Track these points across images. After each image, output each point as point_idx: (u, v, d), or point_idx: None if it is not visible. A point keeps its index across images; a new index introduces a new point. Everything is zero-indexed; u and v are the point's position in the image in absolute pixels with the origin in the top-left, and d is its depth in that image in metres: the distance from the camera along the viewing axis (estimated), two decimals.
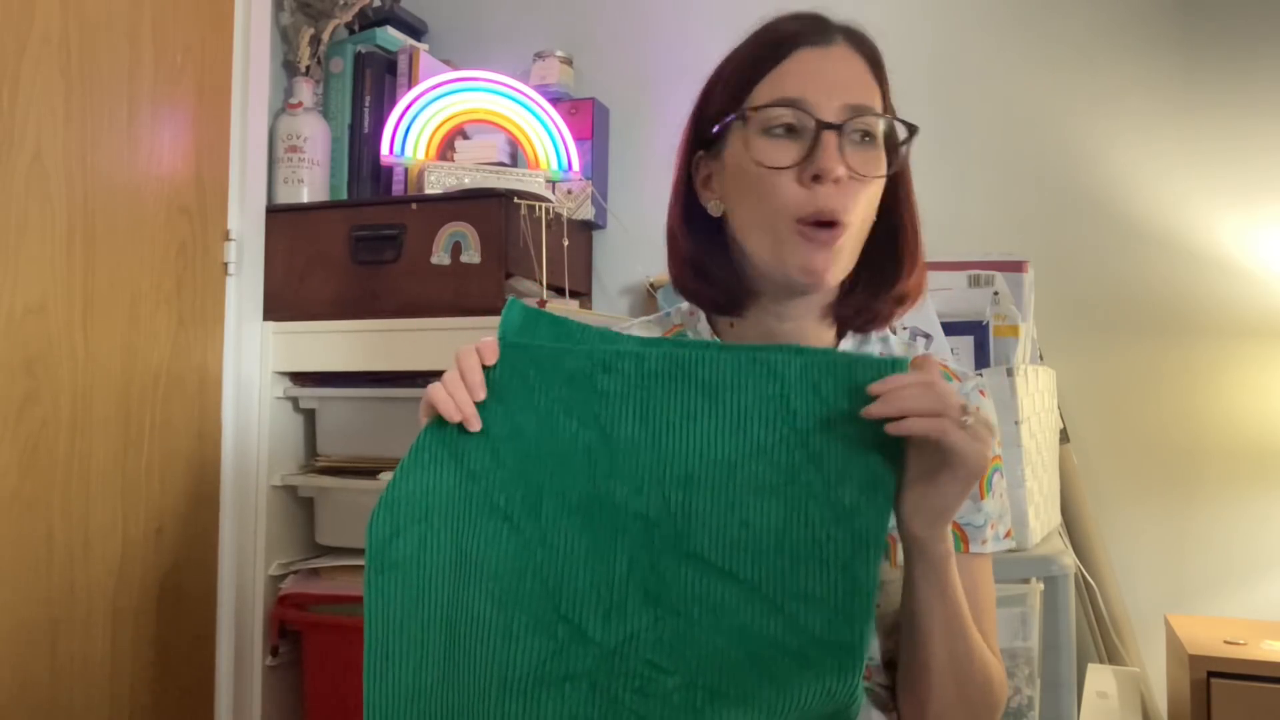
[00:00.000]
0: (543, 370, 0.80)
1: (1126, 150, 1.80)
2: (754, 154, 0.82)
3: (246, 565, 1.76)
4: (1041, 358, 1.68)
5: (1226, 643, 1.45)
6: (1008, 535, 0.90)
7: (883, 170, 0.83)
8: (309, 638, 1.75)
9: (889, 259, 0.88)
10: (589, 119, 2.02)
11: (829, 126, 0.80)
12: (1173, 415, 1.76)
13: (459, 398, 0.78)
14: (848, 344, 0.90)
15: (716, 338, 0.91)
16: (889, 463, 0.73)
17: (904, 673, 0.82)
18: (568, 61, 2.07)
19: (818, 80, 0.82)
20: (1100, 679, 1.53)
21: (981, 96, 1.89)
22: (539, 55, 2.06)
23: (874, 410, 0.70)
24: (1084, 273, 1.81)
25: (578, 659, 0.74)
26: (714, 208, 0.88)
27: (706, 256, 0.89)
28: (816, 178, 0.79)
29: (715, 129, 0.86)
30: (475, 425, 0.78)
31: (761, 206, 0.83)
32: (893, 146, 0.85)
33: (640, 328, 0.96)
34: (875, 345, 0.92)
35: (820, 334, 0.90)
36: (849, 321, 0.90)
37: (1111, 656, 1.70)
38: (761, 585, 0.73)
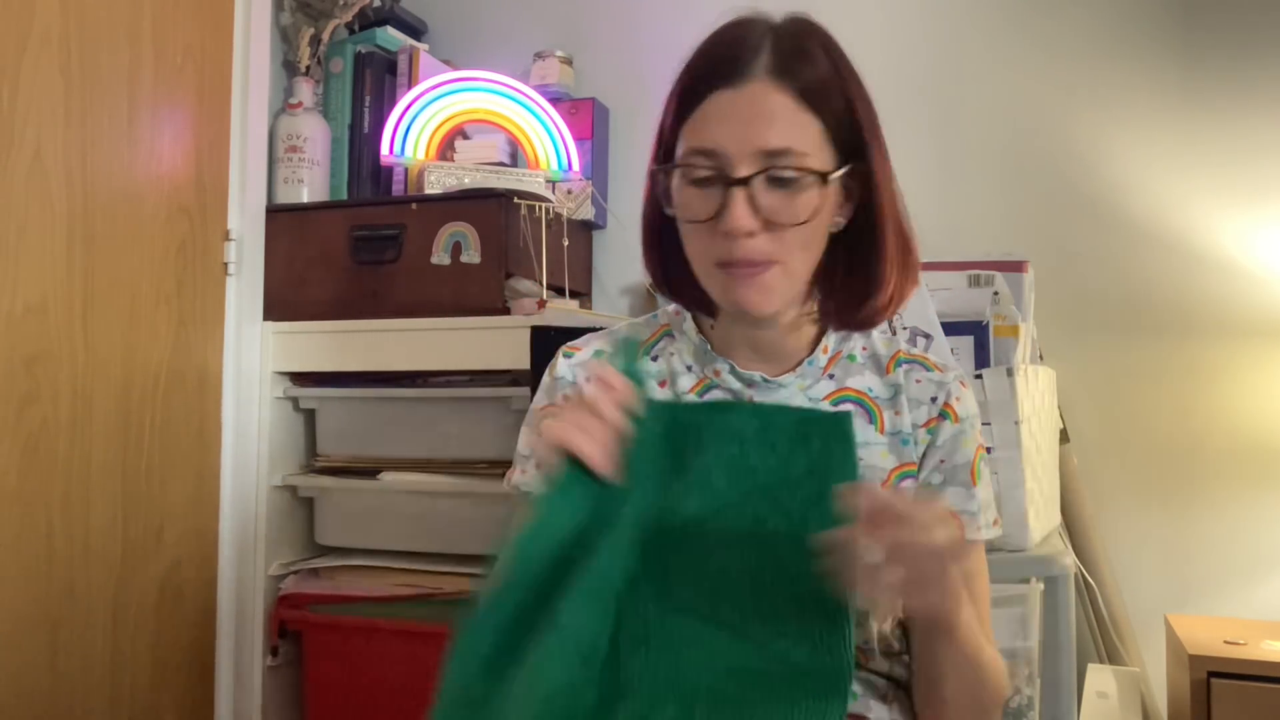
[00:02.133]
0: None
1: (1126, 150, 1.80)
2: (679, 205, 0.84)
3: (246, 565, 1.76)
4: (1041, 358, 1.67)
5: (1226, 643, 1.45)
6: (995, 523, 0.92)
7: (804, 215, 0.80)
8: (309, 638, 1.75)
9: (866, 267, 0.87)
10: (589, 119, 2.02)
11: (737, 182, 0.78)
12: (1173, 415, 1.76)
13: (600, 438, 0.75)
14: (830, 340, 0.91)
15: (702, 336, 0.92)
16: (843, 462, 0.79)
17: (920, 697, 0.85)
18: (568, 61, 2.07)
19: (729, 126, 0.79)
20: (1100, 679, 1.53)
21: (981, 96, 1.89)
22: (539, 55, 2.06)
23: (828, 569, 0.70)
24: (1084, 273, 1.81)
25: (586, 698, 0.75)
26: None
27: (676, 264, 0.89)
28: (728, 234, 0.79)
29: (653, 173, 0.88)
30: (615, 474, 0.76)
31: (691, 251, 0.85)
32: (850, 157, 0.83)
33: (628, 329, 0.97)
34: (858, 342, 0.93)
35: (799, 334, 0.90)
36: (830, 319, 0.90)
37: (1111, 656, 1.70)
38: (744, 627, 0.76)
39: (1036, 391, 1.46)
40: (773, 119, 0.79)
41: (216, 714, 1.73)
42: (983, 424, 1.32)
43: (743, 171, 0.78)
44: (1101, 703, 1.44)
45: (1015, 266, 1.46)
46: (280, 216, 1.84)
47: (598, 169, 2.03)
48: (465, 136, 1.96)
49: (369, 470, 1.75)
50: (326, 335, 1.76)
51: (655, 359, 0.94)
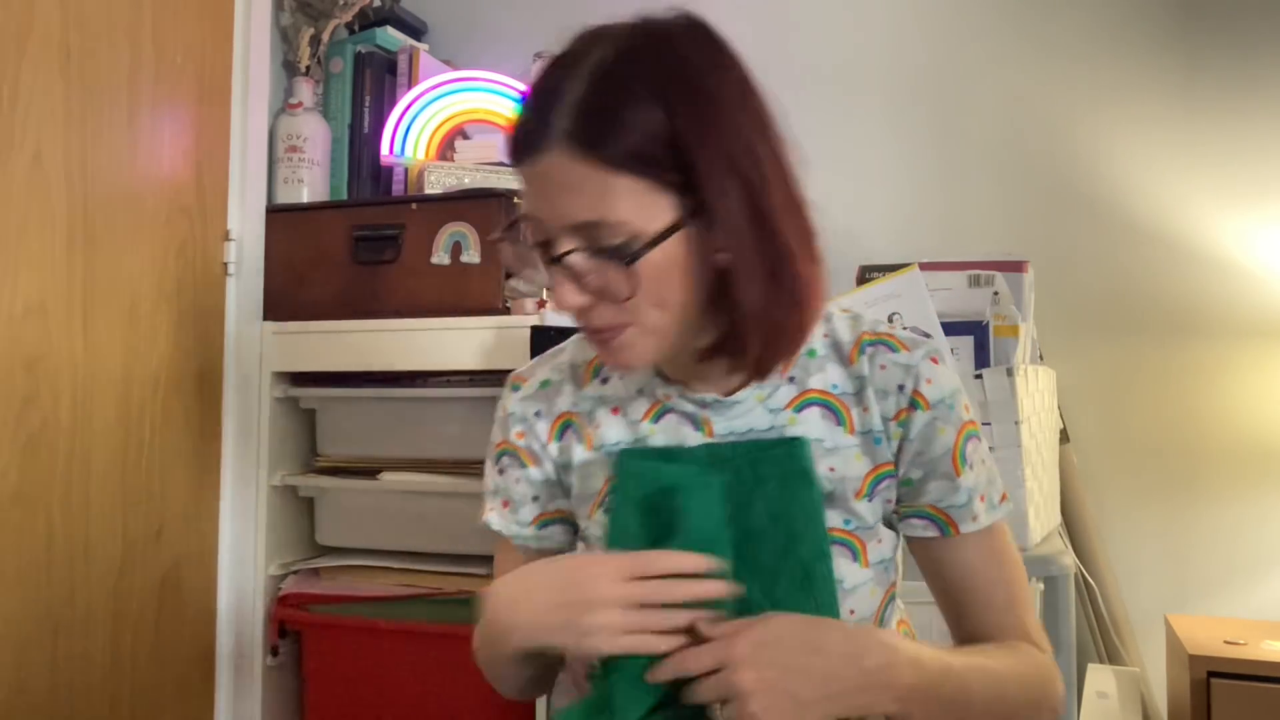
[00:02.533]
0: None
1: (1126, 150, 1.80)
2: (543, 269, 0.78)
3: (246, 565, 1.76)
4: (1041, 358, 1.67)
5: (1226, 643, 1.45)
6: (1003, 500, 0.85)
7: (627, 291, 0.72)
8: (309, 638, 1.75)
9: (761, 288, 0.75)
10: None
11: (555, 260, 0.73)
12: (1173, 415, 1.76)
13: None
14: (749, 391, 0.84)
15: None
16: (806, 502, 0.78)
17: None
18: None
19: (537, 202, 0.74)
20: (1100, 679, 1.53)
21: (982, 96, 1.89)
22: (539, 55, 2.06)
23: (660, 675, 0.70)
24: (1084, 273, 1.81)
25: None
26: None
27: None
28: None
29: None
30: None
31: None
32: (693, 203, 0.73)
33: (577, 347, 0.93)
34: (817, 331, 0.85)
35: (727, 365, 0.81)
36: (736, 363, 0.80)
37: (1111, 656, 1.70)
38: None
39: (1036, 391, 1.46)
40: (578, 191, 0.71)
41: (216, 714, 1.73)
42: (983, 424, 1.32)
43: (559, 248, 0.73)
44: (1101, 703, 1.44)
45: (1015, 266, 1.46)
46: (280, 216, 1.84)
47: None
48: (465, 136, 1.96)
49: (369, 470, 1.75)
50: (326, 335, 1.76)
51: (605, 380, 0.90)
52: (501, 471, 0.93)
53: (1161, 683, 1.69)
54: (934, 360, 0.83)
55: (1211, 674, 1.39)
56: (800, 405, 0.84)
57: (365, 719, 1.68)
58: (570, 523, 0.92)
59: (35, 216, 1.41)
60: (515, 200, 1.71)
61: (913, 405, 0.82)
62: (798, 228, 0.77)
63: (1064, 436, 1.73)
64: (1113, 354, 1.79)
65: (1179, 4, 1.78)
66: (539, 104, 0.74)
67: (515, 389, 0.94)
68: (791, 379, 0.84)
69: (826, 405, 0.84)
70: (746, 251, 0.74)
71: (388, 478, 1.72)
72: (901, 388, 0.82)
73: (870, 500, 0.83)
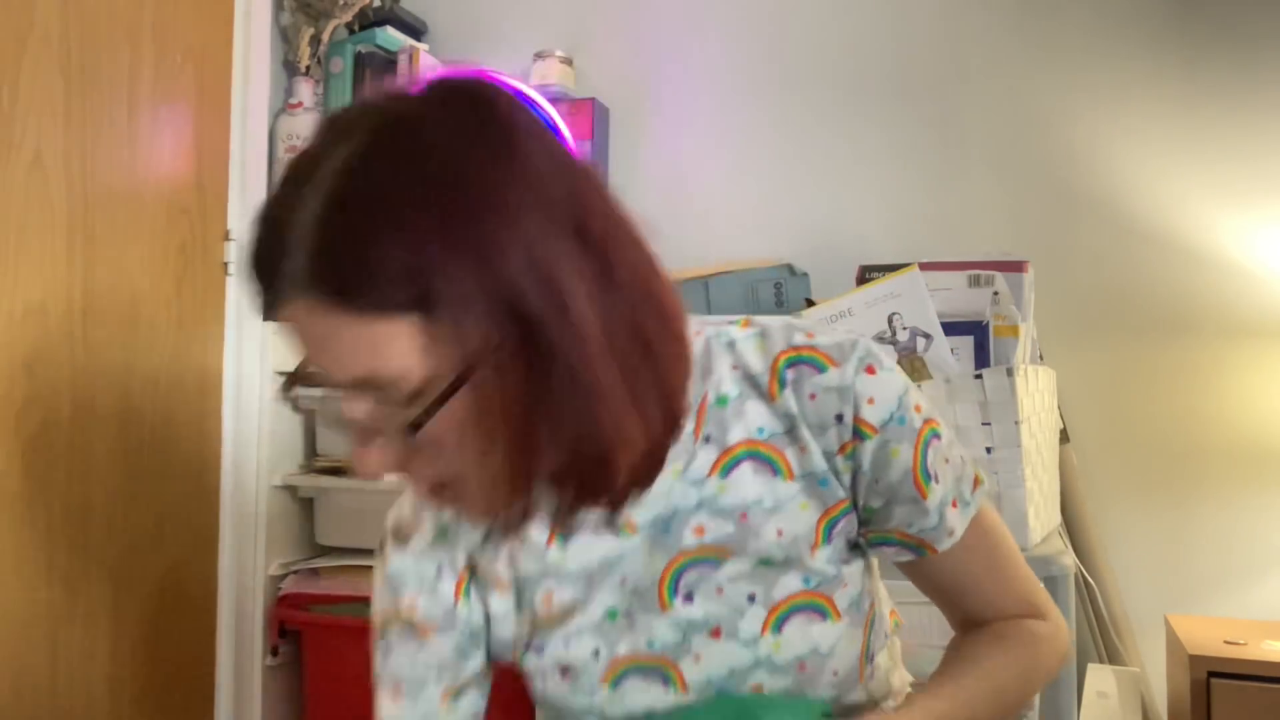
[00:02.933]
0: None
1: (1126, 150, 1.80)
2: None
3: (246, 565, 1.76)
4: (1041, 358, 1.67)
5: (1226, 643, 1.45)
6: (976, 486, 0.77)
7: (451, 441, 0.61)
8: (309, 638, 1.75)
9: (583, 423, 0.62)
10: (589, 119, 2.02)
11: (348, 424, 0.62)
12: (1173, 415, 1.76)
13: None
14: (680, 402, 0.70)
15: None
16: None
17: None
18: (568, 61, 2.07)
19: (316, 355, 0.60)
20: (1100, 679, 1.53)
21: (981, 96, 1.89)
22: (539, 55, 2.06)
23: None
24: (1084, 273, 1.81)
25: None
26: None
27: None
28: None
29: None
30: None
31: None
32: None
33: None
34: (721, 367, 0.73)
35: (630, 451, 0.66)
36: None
37: (1111, 656, 1.70)
38: None
39: (1036, 391, 1.46)
40: (339, 342, 0.58)
41: (216, 714, 1.73)
42: (982, 424, 1.32)
43: (348, 411, 0.61)
44: (1101, 703, 1.44)
45: (1015, 266, 1.46)
46: None
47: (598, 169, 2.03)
48: None
49: None
50: None
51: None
52: (387, 655, 0.77)
53: (1161, 683, 1.69)
54: (870, 370, 0.70)
55: (1211, 674, 1.39)
56: (726, 466, 0.72)
57: (365, 719, 1.68)
58: (488, 682, 0.80)
59: (35, 216, 1.41)
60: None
61: (857, 435, 0.70)
62: (631, 332, 0.62)
63: (1064, 436, 1.73)
64: (1113, 354, 1.79)
65: (1178, 4, 1.78)
66: (271, 237, 0.58)
67: (400, 545, 0.77)
68: (708, 438, 0.71)
69: (756, 456, 0.72)
70: (548, 396, 0.59)
71: (388, 477, 1.72)
72: (840, 417, 0.70)
73: (829, 544, 0.73)
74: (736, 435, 0.72)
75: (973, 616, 0.81)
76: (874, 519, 0.74)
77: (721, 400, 0.72)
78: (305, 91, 1.92)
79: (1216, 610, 1.71)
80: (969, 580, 0.79)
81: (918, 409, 0.72)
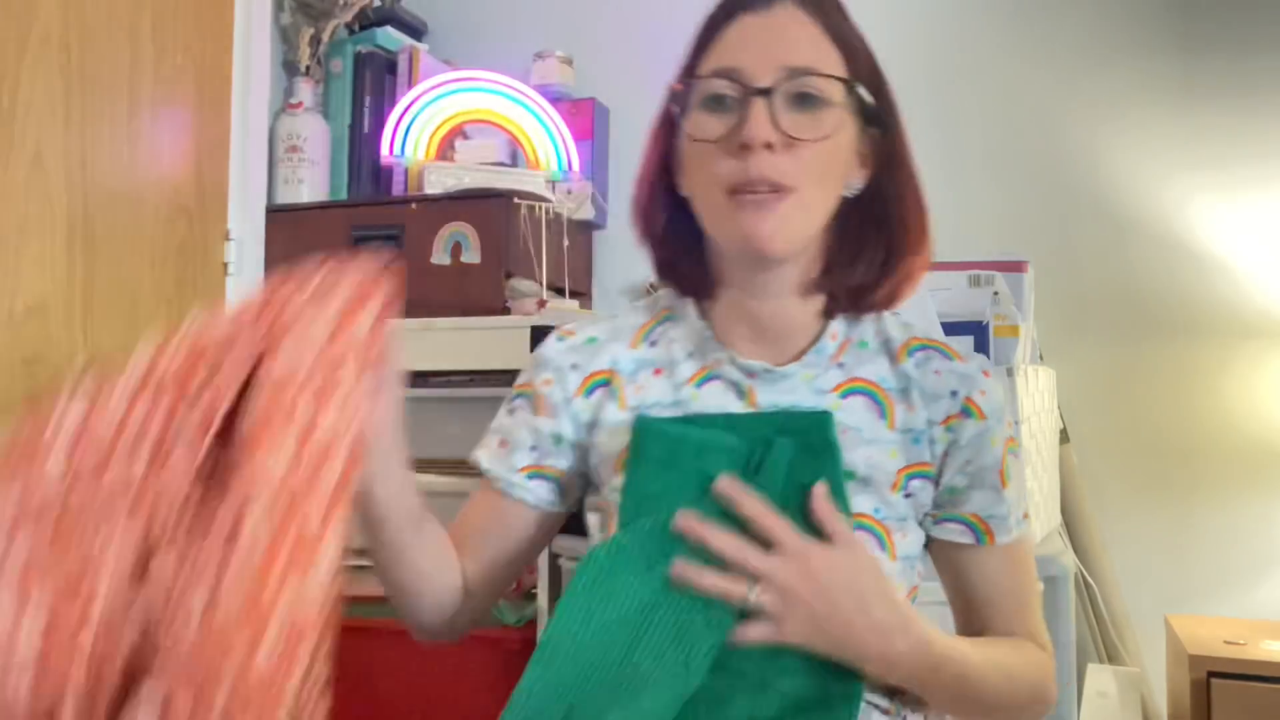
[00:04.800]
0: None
1: (1126, 150, 1.80)
2: (691, 128, 0.81)
3: None
4: (1041, 358, 1.68)
5: (1226, 643, 1.45)
6: (1025, 517, 0.87)
7: (825, 132, 0.78)
8: None
9: (883, 231, 0.84)
10: (589, 119, 2.02)
11: (758, 92, 0.77)
12: (1172, 415, 1.76)
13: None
14: (838, 325, 0.86)
15: (705, 322, 0.88)
16: (829, 475, 0.77)
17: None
18: (568, 61, 2.07)
19: (754, 46, 0.79)
20: (1100, 679, 1.53)
21: (981, 96, 1.89)
22: (539, 55, 2.06)
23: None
24: (1084, 273, 1.81)
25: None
26: (684, 187, 0.86)
27: (671, 239, 0.88)
28: (745, 146, 0.77)
29: (667, 105, 0.86)
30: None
31: (701, 179, 0.81)
32: (871, 113, 0.83)
33: (629, 313, 0.93)
34: (869, 327, 0.87)
35: (801, 312, 0.85)
36: (838, 301, 0.85)
37: (1111, 656, 1.70)
38: (759, 675, 0.74)
39: (1036, 391, 1.46)
40: (798, 41, 0.79)
41: None
42: None
43: (764, 83, 0.77)
44: (1101, 703, 1.44)
45: (1015, 266, 1.46)
46: (280, 216, 1.84)
47: (598, 169, 2.03)
48: (465, 136, 1.96)
49: None
50: None
51: (654, 344, 0.89)
52: (511, 413, 0.91)
53: (1161, 683, 1.69)
54: (986, 374, 0.85)
55: (1211, 674, 1.39)
56: (846, 391, 0.84)
57: (364, 719, 1.68)
58: (560, 485, 0.90)
59: (35, 216, 1.41)
60: (516, 202, 1.70)
61: (965, 412, 0.83)
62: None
63: (1064, 436, 1.73)
64: (1113, 354, 1.79)
65: (1178, 4, 1.78)
66: None
67: (560, 339, 0.92)
68: (841, 365, 0.85)
69: (871, 396, 0.84)
70: (907, 180, 0.85)
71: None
72: (954, 394, 0.83)
73: (904, 494, 0.83)
74: (863, 373, 0.85)
75: (983, 628, 0.86)
76: (952, 499, 0.83)
77: (862, 344, 0.86)
78: (305, 91, 1.92)
79: (1216, 610, 1.71)
80: (996, 591, 0.85)
81: (1009, 424, 0.85)
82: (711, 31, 0.82)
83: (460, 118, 1.89)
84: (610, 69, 2.10)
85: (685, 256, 0.87)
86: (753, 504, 0.74)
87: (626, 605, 0.73)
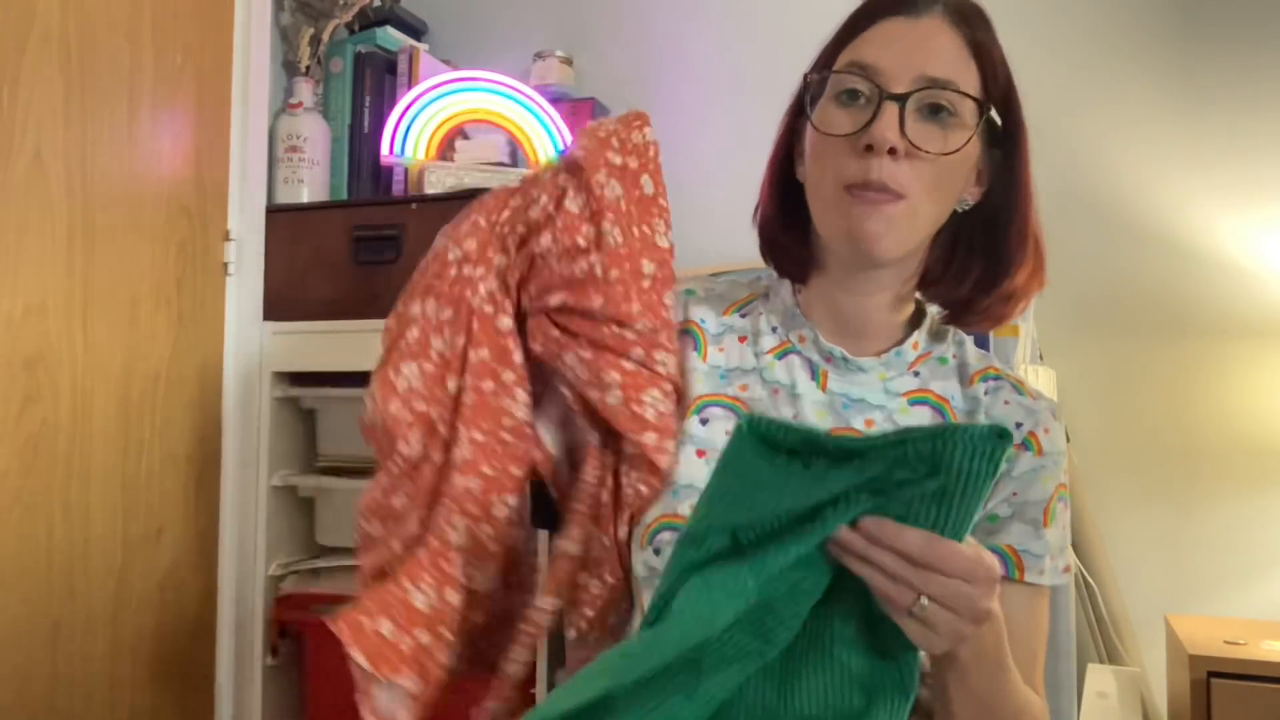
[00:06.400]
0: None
1: (1126, 150, 1.80)
2: (818, 120, 0.82)
3: (246, 565, 1.76)
4: (1041, 358, 1.67)
5: (1226, 643, 1.45)
6: (1065, 570, 0.85)
7: (949, 148, 0.78)
8: (309, 638, 1.75)
9: (990, 251, 0.84)
10: (589, 119, 2.02)
11: (891, 97, 0.77)
12: (1173, 415, 1.76)
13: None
14: (921, 337, 0.87)
15: (795, 300, 0.90)
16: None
17: None
18: (568, 61, 2.07)
19: (896, 49, 0.79)
20: (1100, 679, 1.53)
21: None
22: (539, 55, 2.06)
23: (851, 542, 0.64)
24: (1084, 273, 1.81)
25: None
26: (801, 174, 0.87)
27: (780, 221, 0.90)
28: (869, 147, 0.77)
29: (800, 93, 0.87)
30: None
31: (819, 171, 0.82)
32: (1000, 130, 0.82)
33: (731, 285, 0.96)
34: (950, 348, 0.88)
35: (887, 316, 0.87)
36: (927, 313, 0.87)
37: (1111, 656, 1.70)
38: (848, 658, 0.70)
39: None
40: (941, 52, 0.79)
41: (217, 714, 1.73)
42: None
43: (900, 89, 0.78)
44: (1101, 703, 1.44)
45: None
46: (280, 216, 1.84)
47: None
48: (465, 136, 1.96)
49: (369, 470, 1.74)
50: (326, 335, 1.76)
51: (744, 315, 0.92)
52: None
53: (1161, 683, 1.69)
54: (1054, 415, 0.86)
55: (1211, 674, 1.39)
56: (915, 400, 0.85)
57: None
58: None
59: (35, 216, 1.41)
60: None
61: (1025, 445, 0.83)
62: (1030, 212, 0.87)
63: (1064, 436, 1.72)
64: (1113, 354, 1.79)
65: (1178, 4, 1.78)
66: None
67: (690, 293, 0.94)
68: (916, 374, 0.87)
69: (939, 409, 0.85)
70: (1010, 201, 0.84)
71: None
72: (1019, 426, 0.84)
73: None
74: (935, 387, 0.86)
75: None
76: (991, 527, 0.82)
77: (941, 360, 0.88)
78: (305, 91, 1.91)
79: (1216, 610, 1.71)
80: (1011, 630, 0.78)
81: (1065, 473, 0.86)
82: (854, 27, 0.83)
83: (460, 118, 1.89)
84: (610, 69, 2.10)
85: (790, 240, 0.89)
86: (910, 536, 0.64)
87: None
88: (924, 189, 0.79)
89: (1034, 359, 1.56)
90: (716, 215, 2.01)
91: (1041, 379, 1.52)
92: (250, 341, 1.78)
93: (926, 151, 0.78)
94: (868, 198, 0.78)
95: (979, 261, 0.85)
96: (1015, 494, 0.82)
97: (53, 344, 1.43)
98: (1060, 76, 1.84)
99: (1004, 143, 0.84)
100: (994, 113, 0.81)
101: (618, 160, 0.86)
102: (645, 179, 0.88)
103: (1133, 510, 1.77)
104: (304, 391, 1.83)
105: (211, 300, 1.73)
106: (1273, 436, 1.69)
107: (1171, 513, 1.75)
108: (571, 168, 0.85)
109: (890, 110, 0.77)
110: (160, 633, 1.62)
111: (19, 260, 1.38)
